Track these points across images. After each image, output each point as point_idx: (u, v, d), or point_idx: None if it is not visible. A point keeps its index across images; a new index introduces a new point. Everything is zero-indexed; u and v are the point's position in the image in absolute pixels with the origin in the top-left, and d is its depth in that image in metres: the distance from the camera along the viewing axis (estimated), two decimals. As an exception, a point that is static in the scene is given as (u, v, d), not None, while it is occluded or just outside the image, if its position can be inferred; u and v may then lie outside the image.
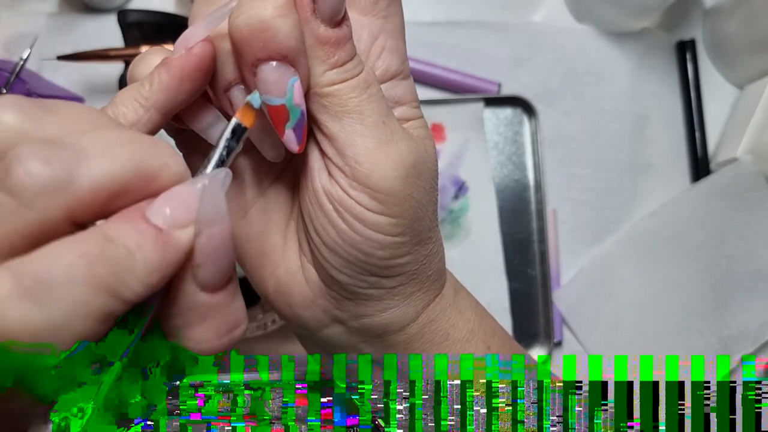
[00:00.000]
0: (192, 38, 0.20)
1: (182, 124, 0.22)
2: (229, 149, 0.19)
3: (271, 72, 0.19)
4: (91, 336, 0.14)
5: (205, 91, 0.22)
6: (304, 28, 0.19)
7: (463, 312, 0.26)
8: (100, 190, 0.15)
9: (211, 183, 0.16)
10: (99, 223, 0.15)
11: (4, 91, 0.43)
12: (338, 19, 0.20)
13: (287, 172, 0.25)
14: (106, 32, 0.48)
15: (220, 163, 0.19)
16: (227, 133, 0.19)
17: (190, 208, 0.16)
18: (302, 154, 0.21)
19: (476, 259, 0.47)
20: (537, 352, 0.46)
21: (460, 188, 0.48)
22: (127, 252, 0.14)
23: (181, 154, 0.21)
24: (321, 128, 0.21)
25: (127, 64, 0.44)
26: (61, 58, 0.44)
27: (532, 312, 0.47)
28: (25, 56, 0.44)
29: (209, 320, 0.17)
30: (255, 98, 0.20)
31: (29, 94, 0.44)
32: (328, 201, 0.21)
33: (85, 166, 0.14)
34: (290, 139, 0.20)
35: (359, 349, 0.25)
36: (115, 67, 0.48)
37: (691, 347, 0.46)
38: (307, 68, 0.20)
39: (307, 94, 0.20)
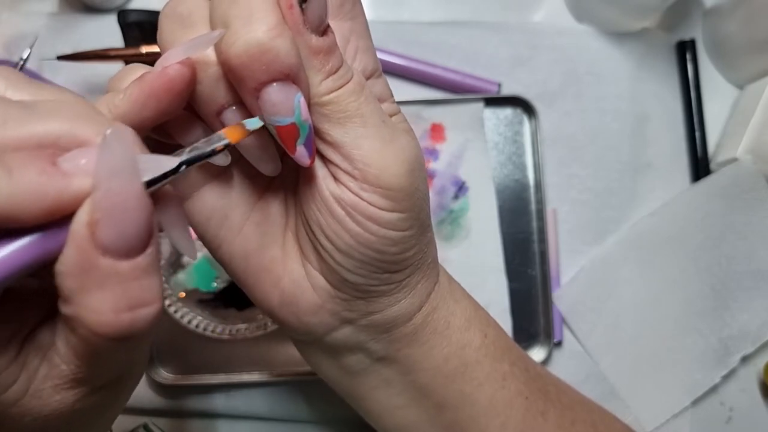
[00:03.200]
0: (169, 62, 0.19)
1: (170, 138, 0.21)
2: (199, 156, 0.19)
3: (276, 93, 0.19)
4: None
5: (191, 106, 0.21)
6: (297, 41, 0.19)
7: (459, 300, 0.27)
8: (30, 138, 0.16)
9: (117, 134, 0.15)
10: None
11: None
12: (324, 27, 0.20)
13: (275, 185, 0.24)
14: (106, 32, 0.48)
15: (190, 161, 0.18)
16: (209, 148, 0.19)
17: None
18: (296, 164, 0.21)
19: (476, 259, 0.47)
20: (537, 352, 0.46)
21: (460, 188, 0.48)
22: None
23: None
24: (323, 137, 0.21)
25: (127, 64, 0.44)
26: (61, 58, 0.44)
27: (532, 312, 0.47)
28: (25, 56, 0.44)
29: (107, 290, 0.15)
30: (253, 122, 0.20)
31: (29, 94, 0.44)
32: (339, 207, 0.21)
33: (33, 120, 0.16)
34: (302, 155, 0.20)
35: (366, 348, 0.25)
36: (115, 68, 0.48)
37: (691, 347, 0.46)
38: (307, 82, 0.20)
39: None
